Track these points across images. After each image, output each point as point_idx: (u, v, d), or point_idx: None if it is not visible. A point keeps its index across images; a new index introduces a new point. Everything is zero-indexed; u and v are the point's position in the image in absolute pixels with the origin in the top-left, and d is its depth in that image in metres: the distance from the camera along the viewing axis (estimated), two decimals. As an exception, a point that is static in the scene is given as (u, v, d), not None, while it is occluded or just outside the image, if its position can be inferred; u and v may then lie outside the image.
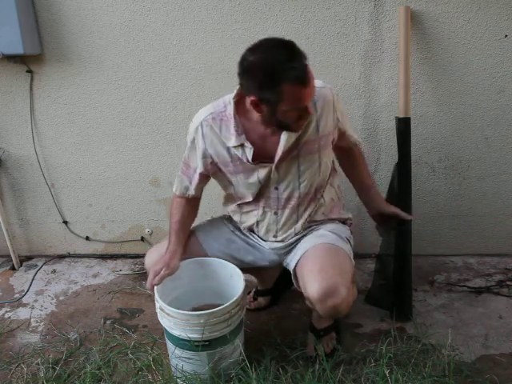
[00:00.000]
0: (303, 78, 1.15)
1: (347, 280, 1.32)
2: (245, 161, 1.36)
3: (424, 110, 2.00)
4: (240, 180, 1.42)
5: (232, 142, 1.33)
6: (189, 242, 1.55)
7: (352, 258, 1.44)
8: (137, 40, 1.94)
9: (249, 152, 1.33)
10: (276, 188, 1.42)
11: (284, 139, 1.30)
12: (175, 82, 2.00)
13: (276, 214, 1.47)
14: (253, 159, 1.34)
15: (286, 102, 1.17)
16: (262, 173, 1.38)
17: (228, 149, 1.36)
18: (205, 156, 1.40)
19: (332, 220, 1.53)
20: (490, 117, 2.00)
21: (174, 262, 1.44)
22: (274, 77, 1.13)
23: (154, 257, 1.49)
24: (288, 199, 1.43)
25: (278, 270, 1.76)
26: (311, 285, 1.30)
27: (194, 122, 1.40)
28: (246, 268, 1.56)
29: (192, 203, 1.55)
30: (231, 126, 1.32)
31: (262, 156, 1.35)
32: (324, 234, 1.46)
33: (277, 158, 1.34)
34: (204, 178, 1.48)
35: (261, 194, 1.44)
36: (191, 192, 1.49)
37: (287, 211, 1.46)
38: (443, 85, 1.95)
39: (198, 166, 1.43)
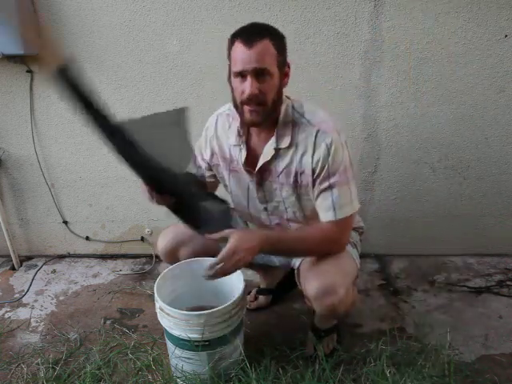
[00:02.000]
0: (247, 39, 1.19)
1: (347, 281, 1.31)
2: (239, 163, 1.40)
3: (424, 110, 2.00)
4: (233, 184, 1.47)
5: (232, 140, 1.39)
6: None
7: (358, 262, 1.44)
8: (137, 40, 1.94)
9: (243, 154, 1.37)
10: (265, 209, 1.45)
11: (266, 148, 1.33)
12: (175, 82, 2.00)
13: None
14: (245, 163, 1.38)
15: (231, 59, 1.24)
16: (252, 187, 1.42)
17: (230, 146, 1.41)
18: (211, 145, 1.47)
19: None
20: (489, 117, 2.00)
21: None
22: (233, 36, 1.25)
23: (169, 241, 1.53)
24: (278, 218, 1.46)
25: (284, 271, 1.77)
26: (310, 282, 1.31)
27: (214, 114, 1.49)
28: (254, 265, 1.58)
29: None
30: (237, 126, 1.37)
31: (253, 165, 1.38)
32: None
33: (257, 167, 1.36)
34: (210, 170, 1.53)
35: (252, 215, 1.50)
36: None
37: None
38: (443, 85, 1.95)
39: (205, 153, 1.50)
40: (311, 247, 1.33)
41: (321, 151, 1.26)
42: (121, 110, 2.06)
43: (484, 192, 2.15)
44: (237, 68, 1.21)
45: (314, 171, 1.29)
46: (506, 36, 1.87)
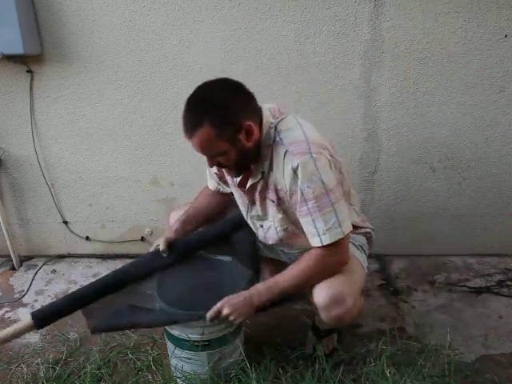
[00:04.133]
0: (185, 129, 1.21)
1: (355, 291, 1.30)
2: (235, 181, 1.41)
3: (424, 110, 2.00)
4: (236, 198, 1.49)
5: None
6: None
7: (365, 267, 1.43)
8: (137, 40, 1.94)
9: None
10: (261, 226, 1.46)
11: (254, 172, 1.33)
12: (175, 82, 2.00)
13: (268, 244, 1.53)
14: (239, 184, 1.40)
15: None
16: (248, 204, 1.43)
17: None
18: None
19: None
20: (489, 117, 2.00)
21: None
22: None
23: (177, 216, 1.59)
24: (272, 240, 1.45)
25: None
26: (319, 292, 1.28)
27: None
28: (268, 260, 1.61)
29: (216, 197, 1.60)
30: None
31: (245, 186, 1.38)
32: None
33: (246, 187, 1.36)
34: (219, 177, 1.55)
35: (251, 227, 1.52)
36: (213, 185, 1.59)
37: (277, 246, 1.52)
38: (443, 85, 1.95)
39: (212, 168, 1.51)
40: (309, 278, 1.27)
41: (287, 175, 1.22)
42: (121, 109, 2.07)
43: (484, 192, 2.15)
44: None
45: (287, 191, 1.26)
46: (506, 36, 1.87)
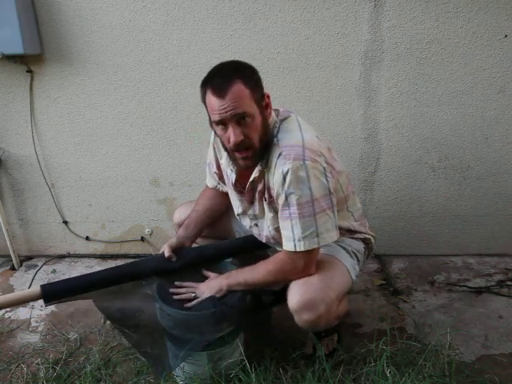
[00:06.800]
0: (218, 88, 1.17)
1: (330, 297, 1.28)
2: (230, 181, 1.42)
3: (424, 110, 2.00)
4: (230, 195, 1.50)
5: (223, 160, 1.43)
6: (220, 219, 1.62)
7: (353, 273, 1.41)
8: (137, 40, 1.94)
9: (233, 176, 1.39)
10: (256, 225, 1.46)
11: (254, 172, 1.31)
12: (175, 82, 2.00)
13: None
14: (235, 184, 1.40)
15: (208, 108, 1.22)
16: (243, 204, 1.43)
17: (224, 164, 1.45)
18: (216, 158, 1.51)
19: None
20: (489, 117, 2.00)
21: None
22: (203, 84, 1.22)
23: (182, 215, 1.60)
24: (266, 238, 1.45)
25: None
26: (292, 295, 1.29)
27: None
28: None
29: (218, 197, 1.61)
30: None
31: (244, 185, 1.38)
32: (328, 244, 1.39)
33: (246, 188, 1.36)
34: (219, 176, 1.56)
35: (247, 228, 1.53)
36: (212, 183, 1.60)
37: (271, 245, 1.51)
38: (443, 85, 1.95)
39: (212, 167, 1.56)
40: (267, 278, 1.32)
41: (277, 177, 1.23)
42: (121, 109, 2.07)
43: (484, 192, 2.15)
44: (216, 118, 1.19)
45: (275, 192, 1.27)
46: (506, 36, 1.87)
